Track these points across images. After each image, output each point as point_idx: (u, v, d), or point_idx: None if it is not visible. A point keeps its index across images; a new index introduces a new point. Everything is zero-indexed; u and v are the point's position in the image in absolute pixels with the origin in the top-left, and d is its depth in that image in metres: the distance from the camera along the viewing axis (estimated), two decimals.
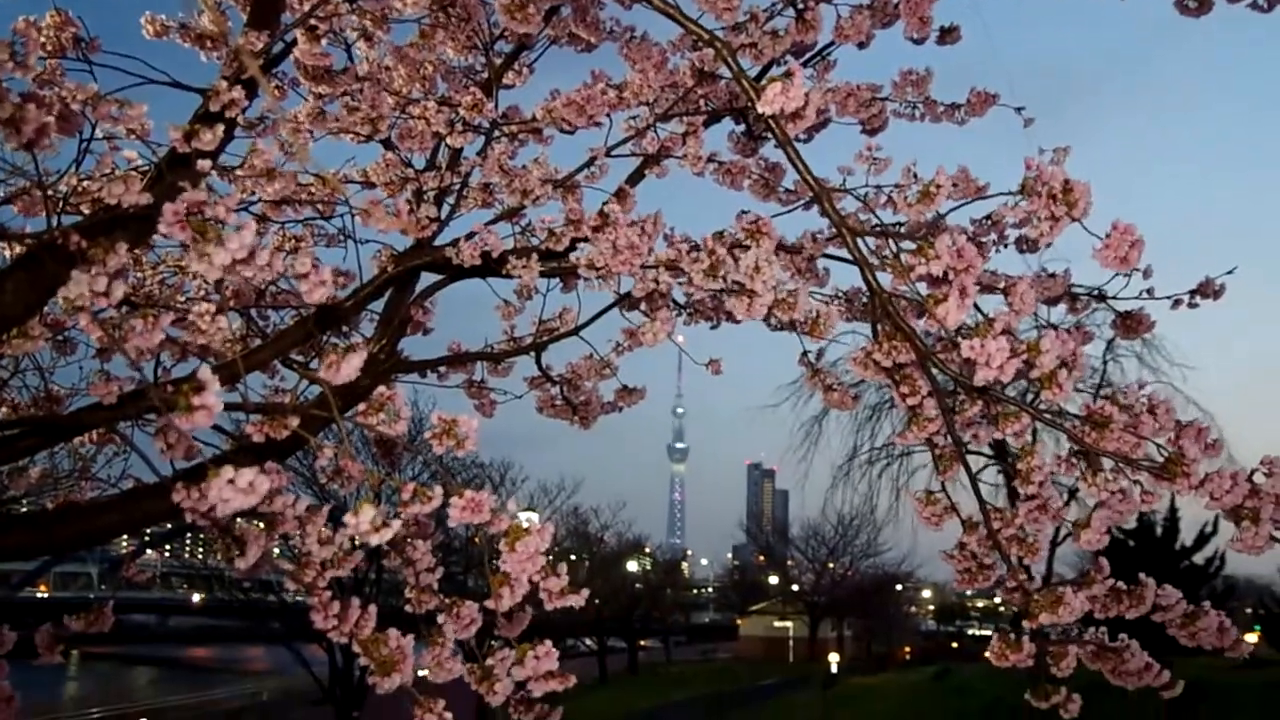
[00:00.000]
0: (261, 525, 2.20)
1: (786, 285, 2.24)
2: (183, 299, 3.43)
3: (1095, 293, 2.99)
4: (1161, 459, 1.99)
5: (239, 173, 2.76)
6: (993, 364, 1.80)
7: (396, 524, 1.68)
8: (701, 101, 3.09)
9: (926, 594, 78.58)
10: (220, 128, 2.40)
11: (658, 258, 2.64)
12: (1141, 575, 2.19)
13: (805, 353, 2.87)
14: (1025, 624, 2.09)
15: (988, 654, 2.22)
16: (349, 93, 3.11)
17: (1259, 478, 1.95)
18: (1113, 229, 1.87)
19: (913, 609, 75.94)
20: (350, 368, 1.82)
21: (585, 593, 1.92)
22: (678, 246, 2.67)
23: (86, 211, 2.64)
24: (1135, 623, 2.26)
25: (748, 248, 2.20)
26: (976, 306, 1.91)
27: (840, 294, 3.06)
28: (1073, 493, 2.46)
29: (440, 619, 2.13)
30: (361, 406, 1.92)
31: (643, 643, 59.53)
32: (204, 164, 2.21)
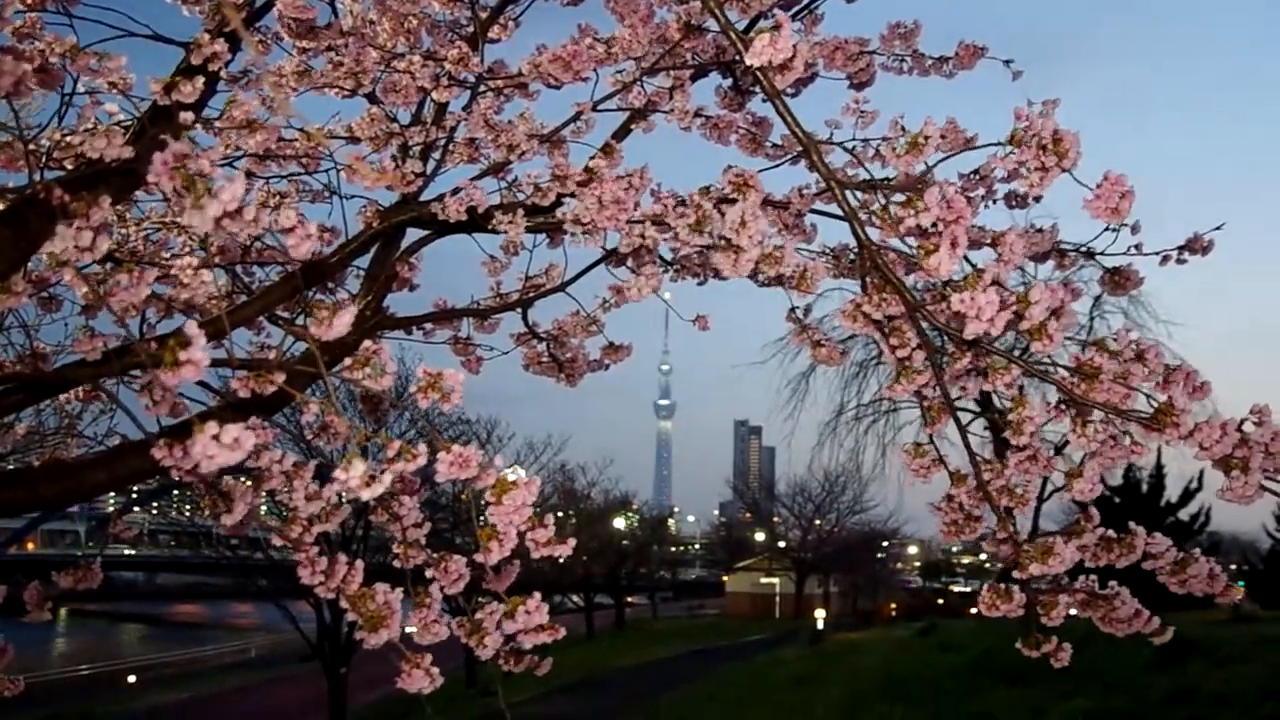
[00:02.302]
0: (248, 481, 2.20)
1: (773, 240, 2.23)
2: (168, 255, 3.40)
3: (1083, 249, 2.99)
4: (1150, 409, 2.00)
5: (218, 124, 2.73)
6: (983, 316, 1.80)
7: (387, 478, 1.68)
8: (689, 55, 3.06)
9: (912, 550, 79.42)
10: (201, 80, 2.37)
11: (643, 213, 2.63)
12: (1131, 524, 2.21)
13: (793, 308, 2.87)
14: (1015, 574, 2.11)
15: (979, 604, 2.24)
16: (333, 47, 3.07)
17: (1248, 427, 1.96)
18: (1104, 180, 1.86)
19: (898, 565, 76.74)
20: (342, 323, 1.81)
21: (572, 542, 1.93)
22: (664, 202, 2.65)
23: (69, 166, 2.61)
24: (1126, 578, 2.29)
25: (734, 202, 2.19)
26: (966, 259, 1.92)
27: (827, 250, 3.05)
28: (1059, 448, 2.47)
29: (428, 573, 2.14)
30: (348, 361, 1.92)
31: (629, 599, 60.08)
32: (186, 116, 2.19)
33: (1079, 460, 2.14)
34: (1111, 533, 2.18)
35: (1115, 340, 2.07)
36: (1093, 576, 2.24)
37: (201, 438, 1.48)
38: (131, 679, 35.95)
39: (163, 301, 2.87)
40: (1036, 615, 2.18)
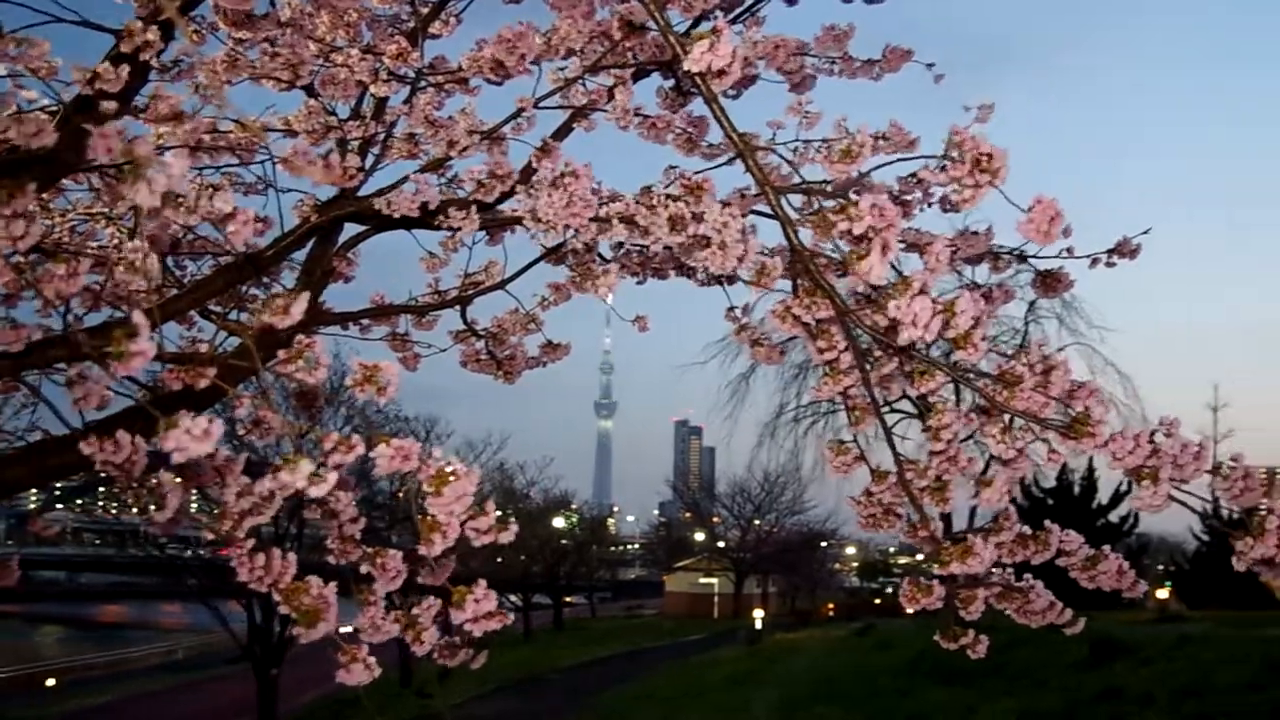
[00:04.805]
0: (179, 478, 2.16)
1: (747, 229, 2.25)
2: (94, 246, 3.33)
3: (1015, 252, 3.06)
4: (1068, 418, 2.06)
5: (143, 117, 2.67)
6: (919, 323, 1.84)
7: (332, 476, 1.67)
8: (630, 55, 3.07)
9: (850, 551, 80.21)
10: (127, 69, 2.32)
11: (611, 210, 2.63)
12: (1046, 522, 2.28)
13: (731, 307, 2.89)
14: (935, 571, 2.16)
15: (900, 598, 2.29)
16: (270, 39, 3.03)
17: (1159, 438, 2.02)
18: (1035, 203, 1.91)
19: (837, 566, 77.47)
20: (297, 311, 1.80)
21: (515, 528, 1.92)
22: (626, 201, 2.67)
23: None
24: (1053, 579, 2.36)
25: (676, 198, 2.21)
26: (894, 265, 1.95)
27: (766, 250, 3.08)
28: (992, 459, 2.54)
29: (363, 568, 2.12)
30: (281, 356, 1.89)
31: (568, 599, 59.95)
32: (109, 105, 2.14)
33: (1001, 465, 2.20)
34: (1027, 529, 2.24)
35: (1027, 355, 2.13)
36: (1010, 571, 2.30)
37: (175, 432, 1.47)
38: (50, 682, 34.96)
39: (91, 293, 2.81)
40: (956, 609, 2.23)
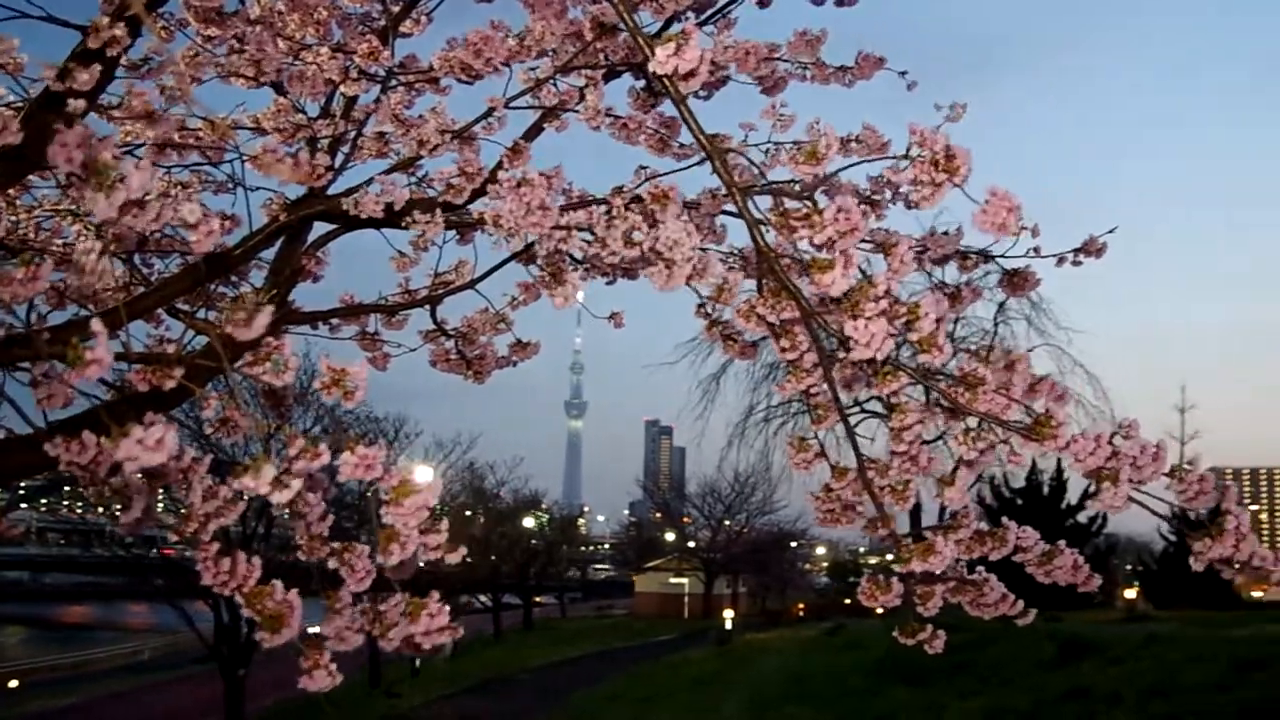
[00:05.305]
0: (144, 479, 2.15)
1: (697, 249, 2.27)
2: (60, 244, 3.30)
3: (983, 252, 3.09)
4: (1029, 419, 2.09)
5: (115, 114, 2.65)
6: (872, 345, 1.87)
7: (297, 483, 1.66)
8: (602, 55, 3.08)
9: (821, 551, 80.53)
10: (98, 67, 2.30)
11: (569, 220, 2.64)
12: (1003, 519, 2.31)
13: (701, 303, 2.89)
14: (897, 568, 2.19)
15: (859, 595, 2.33)
16: (239, 36, 3.01)
17: (1118, 440, 2.05)
18: (990, 195, 1.93)
19: (807, 566, 77.75)
20: (260, 324, 1.79)
21: (463, 550, 1.93)
22: (589, 210, 2.67)
23: None
24: (1022, 581, 2.40)
25: (642, 200, 2.23)
26: (860, 268, 1.97)
27: (735, 251, 3.10)
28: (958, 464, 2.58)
29: (331, 563, 2.11)
30: (249, 356, 1.89)
31: (538, 599, 59.82)
32: (78, 104, 2.13)
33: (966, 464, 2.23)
34: (984, 526, 2.28)
35: (991, 355, 2.16)
36: (964, 565, 2.34)
37: (126, 442, 1.45)
38: (13, 684, 34.43)
39: (56, 291, 2.79)
40: (914, 605, 2.27)
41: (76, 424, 2.11)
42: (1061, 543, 2.32)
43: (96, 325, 1.40)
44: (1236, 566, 2.03)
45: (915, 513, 4.09)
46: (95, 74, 2.27)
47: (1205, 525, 2.04)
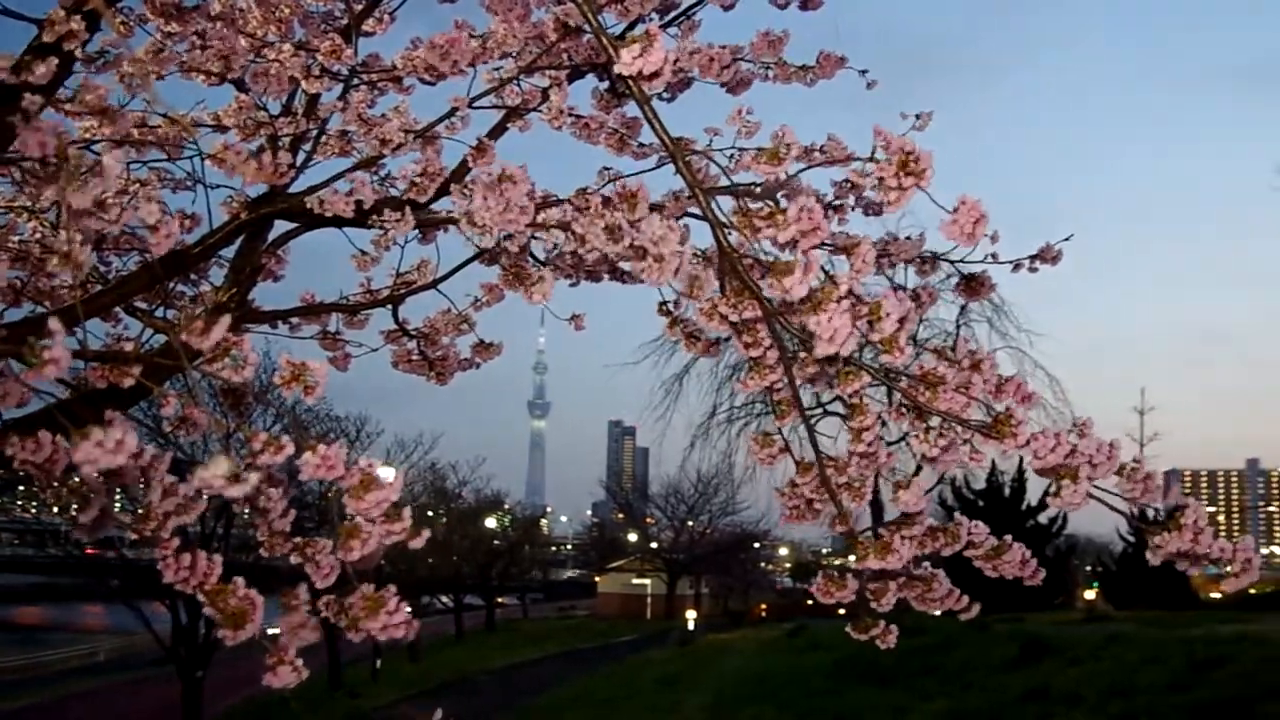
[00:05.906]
0: (102, 478, 2.13)
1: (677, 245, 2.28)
2: (15, 241, 3.25)
3: (941, 256, 3.13)
4: (990, 418, 2.12)
5: (68, 108, 2.62)
6: (836, 340, 1.88)
7: (254, 477, 1.65)
8: (566, 56, 3.08)
9: (783, 551, 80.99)
10: (54, 61, 2.27)
11: (547, 217, 2.64)
12: (957, 514, 2.35)
13: (663, 302, 2.90)
14: (853, 565, 2.22)
15: (814, 591, 2.36)
16: (200, 33, 2.98)
17: (1074, 438, 2.09)
18: (960, 204, 1.96)
19: (769, 566, 78.16)
20: (217, 334, 1.77)
21: (426, 533, 1.92)
22: (563, 207, 2.67)
23: None
24: (977, 582, 2.43)
25: (610, 200, 2.23)
26: (822, 268, 1.99)
27: (699, 252, 3.11)
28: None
29: (294, 559, 2.10)
30: (207, 354, 1.87)
31: (500, 600, 59.65)
32: (33, 100, 2.10)
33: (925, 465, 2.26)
34: (934, 522, 2.31)
35: (954, 353, 2.19)
36: (926, 564, 2.38)
37: (85, 444, 1.43)
38: None
39: (12, 289, 2.75)
40: (867, 601, 2.30)
41: (32, 422, 2.08)
42: (1008, 537, 2.36)
43: (54, 324, 1.38)
44: (1193, 560, 2.07)
45: (878, 511, 4.12)
46: (52, 68, 2.24)
47: (1163, 522, 2.08)
